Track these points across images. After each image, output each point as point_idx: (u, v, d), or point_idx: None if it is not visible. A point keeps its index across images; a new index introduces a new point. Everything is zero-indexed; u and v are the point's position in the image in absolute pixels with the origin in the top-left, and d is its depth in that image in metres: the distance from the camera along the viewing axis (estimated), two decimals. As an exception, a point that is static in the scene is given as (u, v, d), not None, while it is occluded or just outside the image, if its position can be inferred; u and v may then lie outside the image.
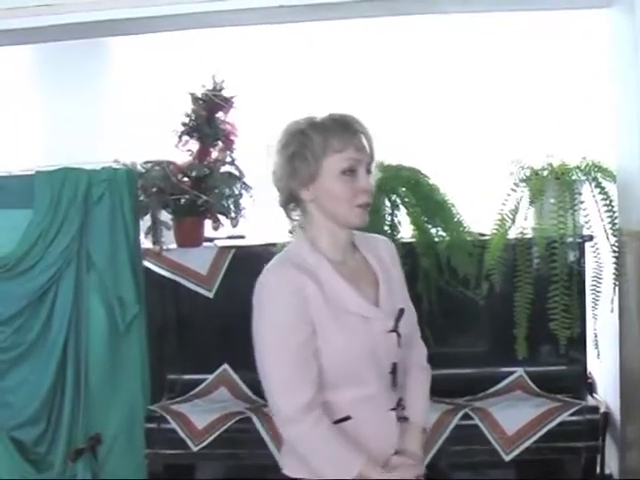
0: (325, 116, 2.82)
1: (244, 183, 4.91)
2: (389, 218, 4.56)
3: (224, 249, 4.82)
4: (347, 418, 2.78)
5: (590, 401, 4.48)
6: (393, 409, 2.85)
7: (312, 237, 2.86)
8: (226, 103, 4.91)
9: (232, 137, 4.96)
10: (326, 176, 2.76)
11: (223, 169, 4.90)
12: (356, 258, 2.93)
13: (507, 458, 4.24)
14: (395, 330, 2.84)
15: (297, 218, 2.92)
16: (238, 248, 4.84)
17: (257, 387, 4.64)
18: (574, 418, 4.30)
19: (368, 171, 2.82)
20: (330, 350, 2.76)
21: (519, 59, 4.97)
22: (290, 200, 2.87)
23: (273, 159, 2.85)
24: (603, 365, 4.68)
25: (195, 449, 4.39)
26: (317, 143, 2.74)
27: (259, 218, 4.94)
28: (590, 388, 4.72)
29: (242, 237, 5.06)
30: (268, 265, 2.85)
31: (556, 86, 4.92)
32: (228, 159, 4.93)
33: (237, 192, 4.89)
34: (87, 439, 4.48)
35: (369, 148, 2.81)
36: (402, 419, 2.89)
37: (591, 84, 4.77)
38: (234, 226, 4.93)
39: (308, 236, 2.86)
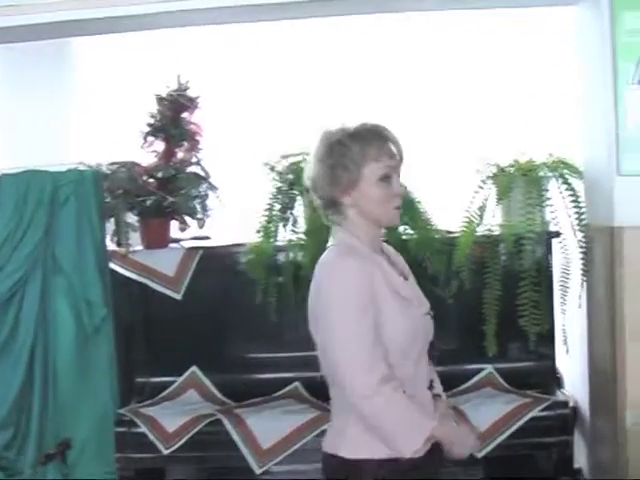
0: (358, 126, 3.01)
1: (210, 184, 4.89)
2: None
3: (191, 250, 4.79)
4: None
5: (560, 396, 4.51)
6: (429, 387, 3.10)
7: (355, 236, 3.03)
8: (191, 103, 4.88)
9: (197, 137, 4.93)
10: (366, 182, 2.96)
11: (189, 170, 4.87)
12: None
13: (479, 455, 4.25)
14: (429, 313, 3.13)
15: (335, 219, 3.07)
16: (205, 249, 4.81)
17: (227, 389, 4.74)
18: (545, 413, 4.34)
19: (398, 175, 3.05)
20: (395, 331, 2.94)
21: (486, 56, 4.98)
22: (330, 205, 3.04)
23: (311, 168, 3.04)
24: (571, 360, 4.71)
25: (166, 452, 4.35)
26: (356, 152, 2.95)
27: (226, 219, 4.94)
28: (558, 383, 4.74)
29: (207, 238, 5.03)
30: (331, 255, 3.02)
31: (523, 83, 4.93)
32: (194, 159, 4.90)
33: (203, 193, 4.87)
34: (56, 444, 4.43)
35: (399, 154, 3.02)
36: (436, 396, 3.14)
37: (558, 81, 4.79)
38: (201, 227, 4.90)
39: (349, 235, 3.03)
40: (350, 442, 2.96)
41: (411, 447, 2.87)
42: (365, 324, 2.87)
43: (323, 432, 4.22)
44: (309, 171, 3.06)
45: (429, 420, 2.92)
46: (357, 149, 2.94)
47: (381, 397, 2.84)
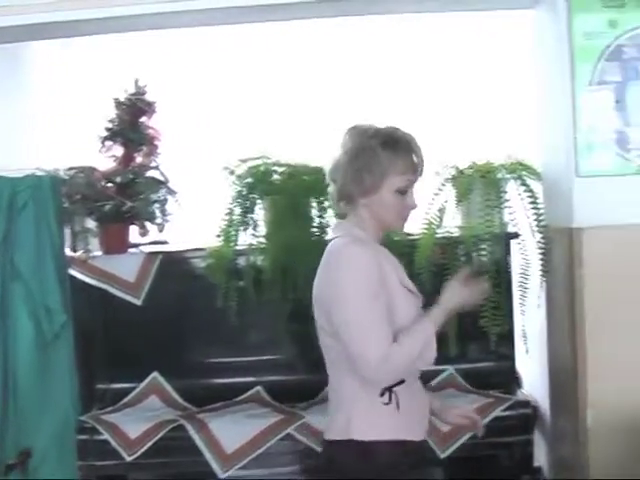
0: (390, 132, 3.17)
1: (169, 188, 4.86)
2: (317, 220, 4.57)
3: (151, 255, 4.75)
4: (402, 382, 3.11)
5: (520, 396, 4.56)
6: (419, 377, 3.29)
7: (362, 229, 3.18)
8: (149, 107, 4.86)
9: (156, 142, 4.91)
10: (385, 191, 3.13)
11: (147, 174, 4.84)
12: None
13: (442, 455, 4.28)
14: (422, 306, 3.27)
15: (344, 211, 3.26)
16: (165, 254, 4.77)
17: (189, 394, 4.72)
18: (507, 413, 4.37)
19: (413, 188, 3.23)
20: (402, 318, 3.11)
21: (446, 59, 5.01)
22: (345, 198, 3.20)
23: (337, 161, 3.19)
24: (531, 360, 4.74)
25: (129, 459, 4.31)
26: (384, 162, 3.10)
27: (185, 223, 4.92)
28: (517, 383, 4.78)
29: (165, 242, 5.00)
30: (341, 244, 3.14)
31: (482, 86, 4.97)
32: (152, 164, 4.87)
33: (162, 197, 4.84)
34: (17, 454, 4.38)
35: (421, 169, 3.21)
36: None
37: (517, 84, 4.83)
38: (160, 231, 4.88)
39: (358, 228, 3.18)
40: (361, 425, 3.10)
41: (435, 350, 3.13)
42: (377, 307, 3.02)
43: (287, 436, 4.31)
44: (334, 162, 3.20)
45: (427, 319, 3.13)
46: (386, 159, 3.09)
47: (395, 348, 3.00)
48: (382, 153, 3.09)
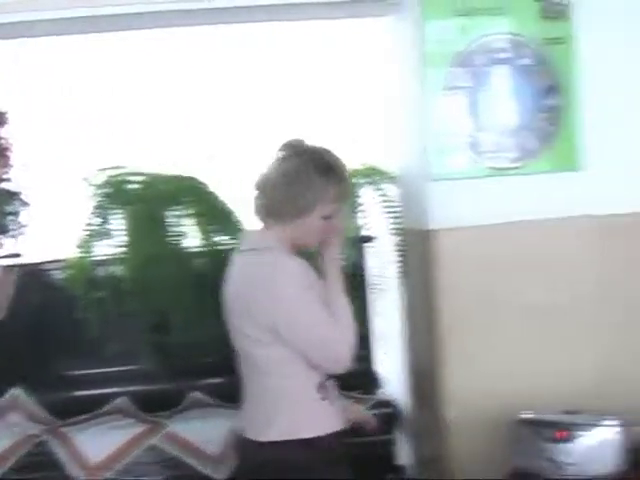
0: (324, 155, 3.32)
1: (22, 200, 4.79)
2: (174, 229, 4.56)
3: (8, 269, 4.66)
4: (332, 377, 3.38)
5: (381, 395, 4.64)
6: None
7: (283, 244, 3.31)
8: (0, 118, 4.78)
9: (8, 153, 4.83)
10: (314, 216, 3.28)
11: (0, 186, 4.76)
12: None
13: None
14: None
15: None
16: (23, 266, 4.67)
17: (52, 408, 4.63)
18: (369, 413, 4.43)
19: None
20: None
21: (302, 67, 5.07)
22: (272, 215, 3.32)
23: (270, 177, 3.30)
24: (390, 360, 4.84)
25: (-7, 477, 4.22)
26: (318, 189, 3.24)
27: (42, 235, 4.85)
28: (376, 384, 4.87)
29: (18, 255, 4.91)
30: (274, 257, 3.26)
31: (338, 93, 5.04)
32: (5, 176, 4.79)
33: (15, 210, 4.76)
34: None
35: (349, 194, 3.50)
36: None
37: (373, 91, 4.92)
38: (14, 244, 4.79)
39: (280, 243, 3.31)
40: (308, 423, 3.29)
41: None
42: (319, 302, 3.23)
43: (152, 445, 4.28)
44: (266, 177, 3.32)
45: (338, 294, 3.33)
46: (320, 188, 3.24)
47: (350, 341, 3.25)
48: (317, 180, 3.24)
